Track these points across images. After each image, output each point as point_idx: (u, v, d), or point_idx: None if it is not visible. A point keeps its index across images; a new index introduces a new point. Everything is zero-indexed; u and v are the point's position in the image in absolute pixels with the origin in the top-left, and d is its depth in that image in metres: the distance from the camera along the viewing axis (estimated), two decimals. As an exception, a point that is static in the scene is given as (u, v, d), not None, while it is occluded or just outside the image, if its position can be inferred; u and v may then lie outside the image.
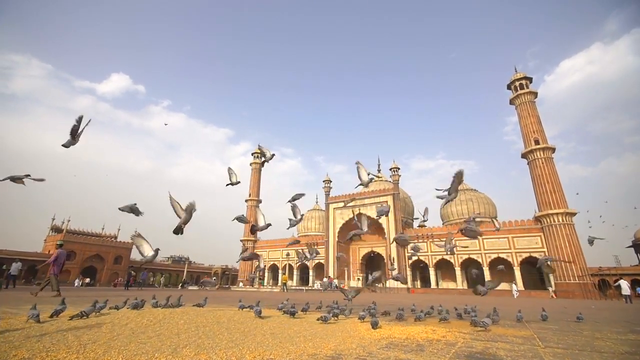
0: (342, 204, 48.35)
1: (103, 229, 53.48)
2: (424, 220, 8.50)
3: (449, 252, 7.91)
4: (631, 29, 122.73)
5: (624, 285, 19.83)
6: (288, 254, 52.39)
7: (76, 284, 41.10)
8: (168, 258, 78.07)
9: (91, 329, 3.45)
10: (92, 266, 48.70)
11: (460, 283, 39.12)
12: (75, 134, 4.47)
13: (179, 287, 41.53)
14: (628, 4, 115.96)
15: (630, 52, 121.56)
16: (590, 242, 10.01)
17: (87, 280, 44.30)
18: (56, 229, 48.78)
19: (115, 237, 53.12)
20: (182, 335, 3.28)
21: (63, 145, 4.60)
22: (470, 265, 40.88)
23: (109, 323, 3.81)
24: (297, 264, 52.02)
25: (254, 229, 6.60)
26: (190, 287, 41.31)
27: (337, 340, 3.36)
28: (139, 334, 3.24)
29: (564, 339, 3.93)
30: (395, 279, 7.58)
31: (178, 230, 4.23)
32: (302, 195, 7.21)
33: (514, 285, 31.37)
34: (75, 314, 4.33)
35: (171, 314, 4.87)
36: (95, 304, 4.73)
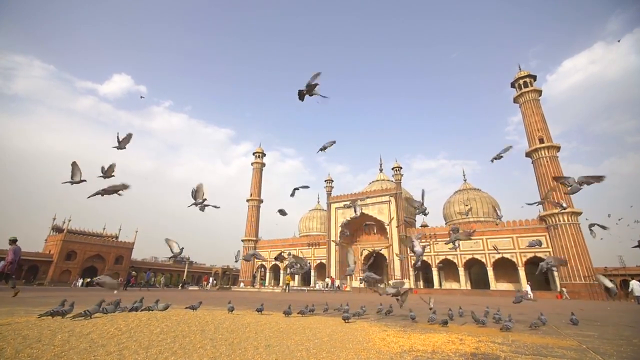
0: (343, 204, 47.85)
1: (104, 228, 53.18)
2: (422, 208, 8.01)
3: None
4: (633, 29, 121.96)
5: (637, 286, 19.22)
6: (289, 254, 51.87)
7: (78, 284, 40.85)
8: (169, 258, 77.76)
9: (40, 340, 2.87)
10: (93, 266, 48.30)
11: (464, 283, 38.57)
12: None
13: (179, 288, 41.11)
14: (630, 3, 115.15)
15: (632, 51, 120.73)
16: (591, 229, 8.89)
17: (88, 280, 43.93)
18: (57, 229, 48.40)
19: (117, 237, 52.73)
20: (152, 350, 2.69)
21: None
22: (474, 265, 40.41)
23: (67, 332, 3.21)
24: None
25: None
26: (190, 288, 40.89)
27: (349, 356, 2.83)
28: (97, 348, 2.65)
29: (621, 350, 3.43)
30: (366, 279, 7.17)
31: (301, 97, 4.93)
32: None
33: (528, 287, 30.87)
34: (77, 314, 4.19)
35: (149, 319, 4.22)
36: (96, 307, 4.43)
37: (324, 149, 7.52)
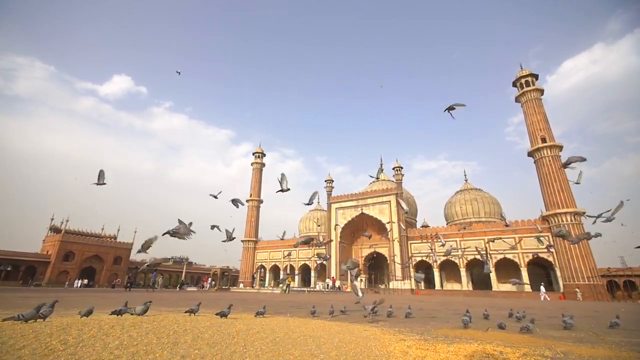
0: (344, 204, 47.52)
1: (103, 229, 52.87)
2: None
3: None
4: (634, 29, 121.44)
5: None
6: (289, 254, 51.55)
7: (76, 285, 40.54)
8: (169, 259, 77.64)
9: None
10: (91, 267, 47.99)
11: (466, 284, 38.19)
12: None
13: (177, 289, 40.75)
14: (631, 3, 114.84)
15: (633, 51, 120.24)
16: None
17: (86, 281, 43.61)
18: (55, 229, 48.11)
19: (115, 238, 52.41)
20: None
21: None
22: (475, 266, 40.02)
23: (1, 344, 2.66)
24: (299, 265, 51.23)
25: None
26: (189, 289, 40.54)
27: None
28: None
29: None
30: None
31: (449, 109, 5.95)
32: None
33: (542, 287, 30.51)
34: (10, 317, 3.72)
35: (112, 328, 3.53)
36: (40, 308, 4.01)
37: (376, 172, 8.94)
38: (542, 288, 30.18)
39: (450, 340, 3.85)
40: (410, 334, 4.27)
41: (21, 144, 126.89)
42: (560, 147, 36.77)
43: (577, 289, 30.30)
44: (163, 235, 5.84)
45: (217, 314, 5.22)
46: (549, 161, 36.06)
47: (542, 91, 40.15)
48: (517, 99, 41.69)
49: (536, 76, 40.88)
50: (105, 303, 8.64)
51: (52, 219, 48.73)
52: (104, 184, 8.27)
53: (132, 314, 4.81)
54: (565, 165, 7.70)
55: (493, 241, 33.37)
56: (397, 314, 7.04)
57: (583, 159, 7.47)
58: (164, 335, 3.32)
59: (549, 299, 28.65)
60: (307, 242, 9.63)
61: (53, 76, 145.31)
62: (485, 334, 4.49)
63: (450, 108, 7.27)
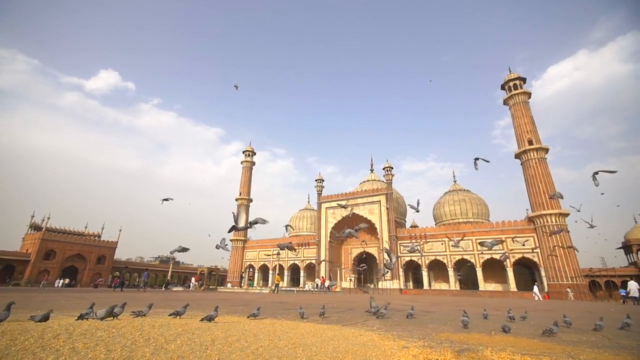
0: (334, 204, 47.36)
1: (86, 227, 51.44)
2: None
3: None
4: (616, 37, 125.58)
5: (634, 286, 19.15)
6: (279, 254, 51.08)
7: (57, 284, 39.17)
8: (155, 258, 76.18)
9: None
10: (74, 266, 46.54)
11: (453, 284, 38.58)
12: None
13: (163, 288, 39.82)
14: (614, 12, 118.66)
15: (615, 59, 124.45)
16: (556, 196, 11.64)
17: (67, 280, 42.21)
18: (35, 227, 46.56)
19: (99, 236, 51.05)
20: None
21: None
22: (463, 265, 40.47)
23: None
24: (289, 265, 50.83)
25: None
26: (175, 289, 39.67)
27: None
28: None
29: None
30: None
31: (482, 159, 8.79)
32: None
33: (535, 287, 30.90)
34: None
35: (55, 338, 2.88)
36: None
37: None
38: (535, 288, 30.63)
39: (457, 346, 3.46)
40: (411, 339, 3.94)
41: (5, 139, 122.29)
42: (546, 150, 37.48)
43: (568, 289, 30.62)
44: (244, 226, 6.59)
45: (202, 320, 4.73)
46: (535, 163, 36.72)
47: (529, 94, 40.87)
48: (505, 102, 42.32)
49: (524, 79, 41.61)
50: (78, 304, 8.07)
51: (33, 216, 47.17)
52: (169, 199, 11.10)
53: (93, 319, 4.21)
54: (595, 174, 9.19)
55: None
56: (392, 315, 6.84)
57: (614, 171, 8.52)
58: (118, 348, 2.68)
59: (541, 299, 29.13)
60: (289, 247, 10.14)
61: (36, 70, 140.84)
62: (492, 337, 4.25)
63: (481, 160, 9.01)
